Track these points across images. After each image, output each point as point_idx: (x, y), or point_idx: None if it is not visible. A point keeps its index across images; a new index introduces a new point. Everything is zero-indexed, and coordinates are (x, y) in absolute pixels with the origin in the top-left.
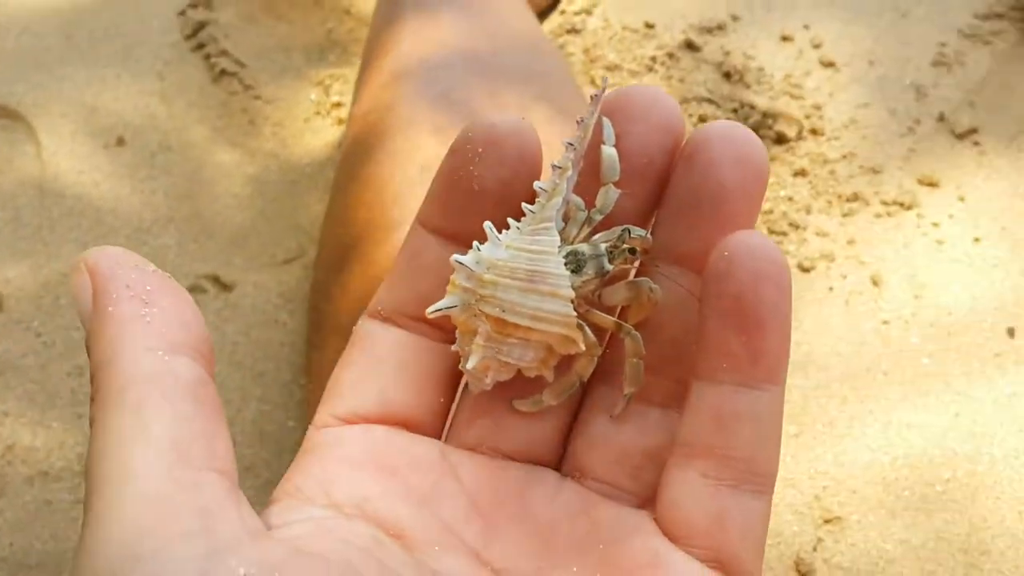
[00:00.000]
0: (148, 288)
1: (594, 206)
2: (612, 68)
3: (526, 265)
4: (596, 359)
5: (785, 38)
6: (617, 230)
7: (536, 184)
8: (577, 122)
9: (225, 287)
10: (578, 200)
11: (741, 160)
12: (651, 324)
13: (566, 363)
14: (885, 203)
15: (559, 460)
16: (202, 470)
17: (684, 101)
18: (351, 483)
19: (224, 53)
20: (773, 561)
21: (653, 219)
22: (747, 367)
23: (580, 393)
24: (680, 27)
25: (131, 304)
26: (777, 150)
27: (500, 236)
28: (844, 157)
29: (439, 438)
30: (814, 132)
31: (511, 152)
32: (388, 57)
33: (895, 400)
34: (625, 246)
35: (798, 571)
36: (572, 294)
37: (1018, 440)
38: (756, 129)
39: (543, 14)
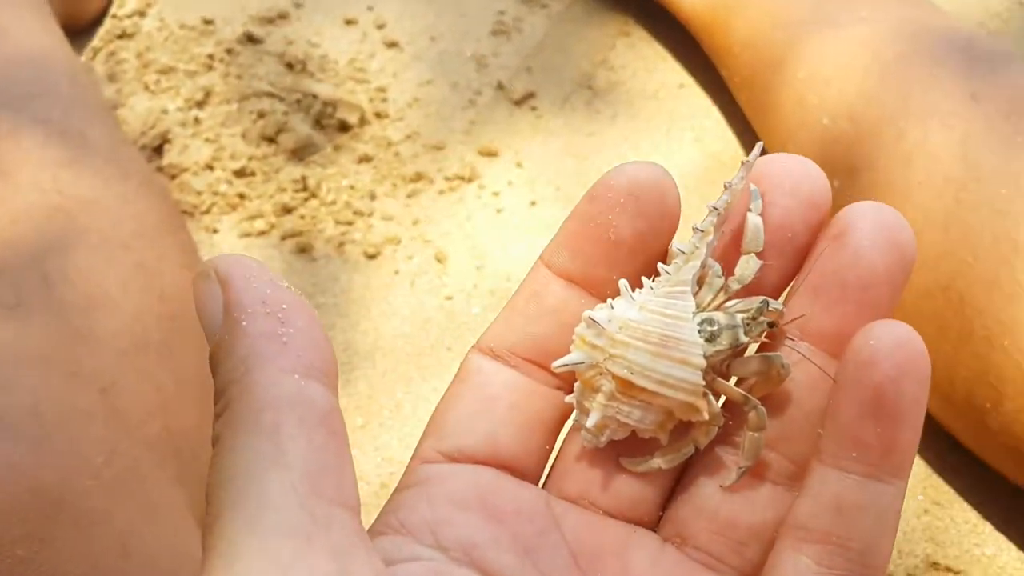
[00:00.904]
0: (284, 306)
1: (732, 274)
2: (167, 71)
3: (660, 329)
4: (716, 430)
5: (349, 22)
6: (755, 302)
7: (674, 245)
8: (725, 186)
9: None
10: (716, 266)
11: (893, 246)
12: (773, 400)
13: (682, 427)
14: (448, 179)
15: (656, 522)
16: (333, 505)
17: (244, 98)
18: (458, 526)
19: None
20: None
21: (785, 292)
22: (878, 459)
23: (685, 460)
24: (240, 20)
25: (267, 322)
26: (342, 139)
27: (634, 295)
28: (408, 137)
29: (538, 484)
30: (378, 116)
31: (652, 205)
32: None
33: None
34: (763, 319)
35: None
36: (703, 363)
37: None
38: (318, 120)
39: (98, 22)
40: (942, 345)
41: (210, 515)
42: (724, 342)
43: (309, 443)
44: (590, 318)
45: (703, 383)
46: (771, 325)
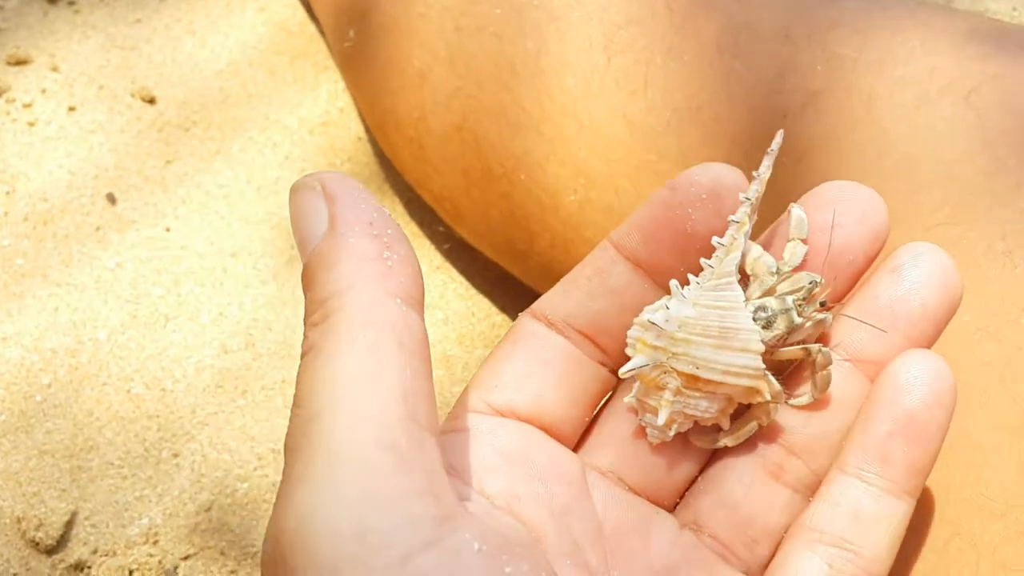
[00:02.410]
0: (389, 232)
1: (782, 259)
2: None
3: (717, 322)
4: (778, 406)
5: None
6: (803, 280)
7: (714, 239)
8: (752, 176)
9: None
10: (770, 261)
11: (944, 287)
12: (804, 414)
13: (742, 408)
14: None
15: (674, 507)
16: (424, 430)
17: None
18: (504, 476)
19: None
20: None
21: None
22: (900, 477)
23: (710, 453)
24: None
25: (374, 244)
26: None
27: (684, 293)
28: None
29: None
30: None
31: (731, 205)
32: None
33: None
34: (815, 298)
35: None
36: (762, 348)
37: (123, 313)
38: None
39: None
40: (472, 190)
41: (301, 417)
42: (780, 326)
43: (407, 366)
44: (649, 321)
45: (764, 367)
46: (822, 305)
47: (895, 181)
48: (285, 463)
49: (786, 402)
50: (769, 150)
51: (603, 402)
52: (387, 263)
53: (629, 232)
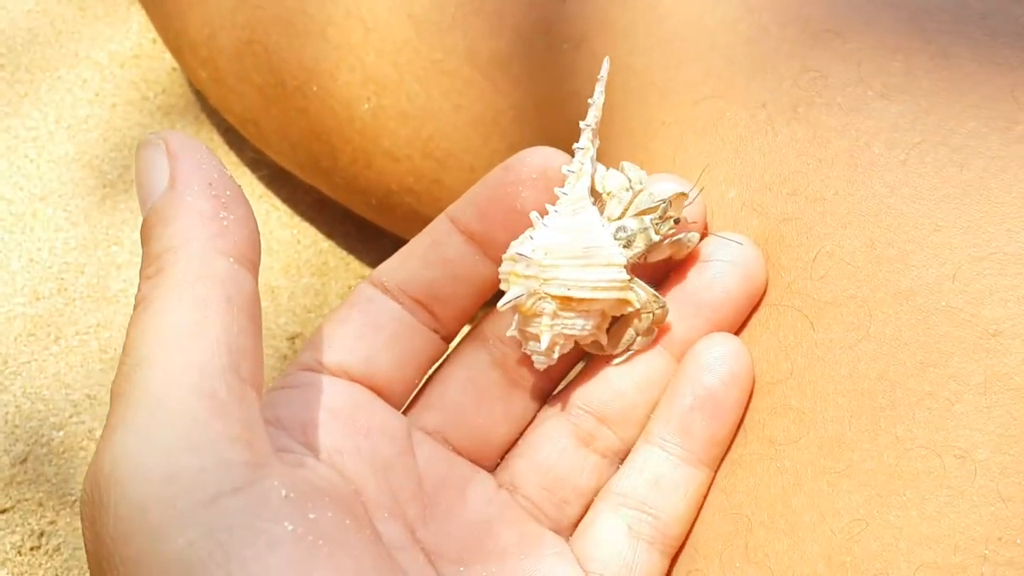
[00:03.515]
0: (227, 193)
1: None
2: None
3: (580, 243)
4: (650, 315)
5: None
6: (658, 204)
7: (564, 168)
8: (589, 103)
9: None
10: (621, 177)
11: (747, 276)
12: (615, 389)
13: (616, 322)
14: None
15: (494, 468)
16: (246, 383)
17: None
18: (329, 431)
19: None
20: None
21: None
22: (699, 449)
23: (530, 419)
24: None
25: (211, 203)
26: None
27: (545, 222)
28: None
29: (402, 412)
30: None
31: (558, 183)
32: None
33: None
34: (670, 215)
35: None
36: (624, 260)
37: None
38: None
39: None
40: (270, 108)
41: (127, 365)
42: (640, 244)
43: (234, 322)
44: (518, 253)
45: (629, 277)
46: (676, 221)
47: (663, 56)
48: (110, 409)
49: (611, 362)
50: (599, 76)
51: (435, 367)
52: (223, 222)
53: (465, 207)
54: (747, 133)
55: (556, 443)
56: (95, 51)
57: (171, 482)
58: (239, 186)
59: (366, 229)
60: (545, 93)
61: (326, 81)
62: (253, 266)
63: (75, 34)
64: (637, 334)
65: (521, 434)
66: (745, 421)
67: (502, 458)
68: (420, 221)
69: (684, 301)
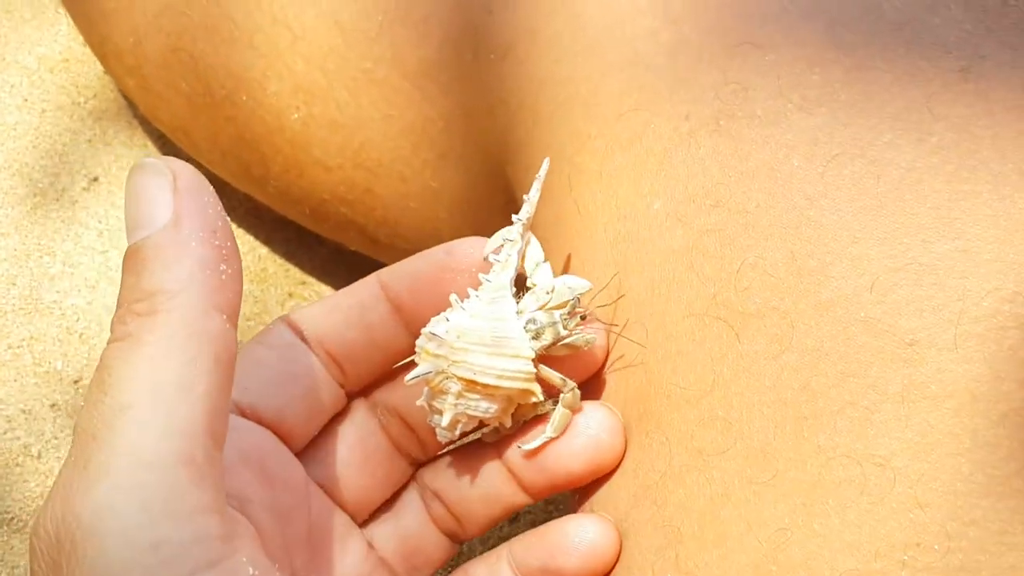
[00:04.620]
0: (228, 244)
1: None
2: None
3: (491, 332)
4: (539, 406)
5: None
6: (568, 300)
7: (491, 257)
8: (524, 198)
9: None
10: (547, 279)
11: (599, 448)
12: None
13: (521, 408)
14: None
15: (365, 525)
16: (215, 447)
17: None
18: (240, 480)
19: None
20: None
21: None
22: None
23: (406, 482)
24: None
25: (214, 252)
26: None
27: (463, 305)
28: None
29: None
30: None
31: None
32: None
33: None
34: (578, 311)
35: None
36: (532, 353)
37: None
38: None
39: None
40: (199, 117)
41: (107, 405)
42: (548, 337)
43: (217, 383)
44: (431, 332)
45: (535, 370)
46: (583, 318)
47: (587, 66)
48: (78, 443)
49: (519, 446)
50: (538, 175)
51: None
52: (221, 276)
53: (400, 277)
54: (671, 145)
55: (417, 516)
56: (22, 55)
57: (154, 551)
58: (235, 237)
59: (305, 235)
60: (473, 102)
61: (255, 90)
62: (236, 321)
63: (1, 38)
64: (524, 420)
65: (397, 494)
66: (672, 433)
67: (372, 516)
68: (354, 229)
69: (543, 459)
